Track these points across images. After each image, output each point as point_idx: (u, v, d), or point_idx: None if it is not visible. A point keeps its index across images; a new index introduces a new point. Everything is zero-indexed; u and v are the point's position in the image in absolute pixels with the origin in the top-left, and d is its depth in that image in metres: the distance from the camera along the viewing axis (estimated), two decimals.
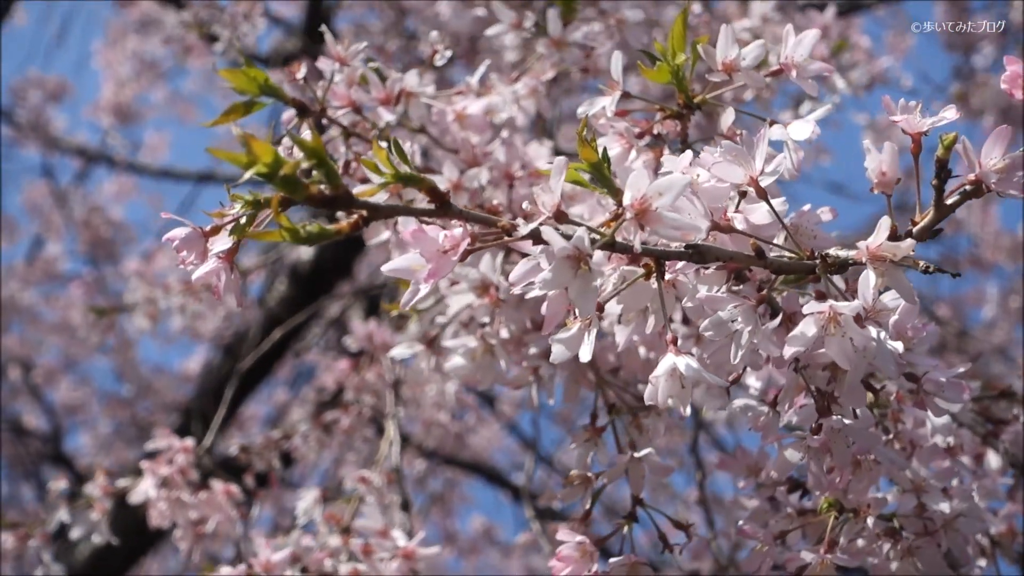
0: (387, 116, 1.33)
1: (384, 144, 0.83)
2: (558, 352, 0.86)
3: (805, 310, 0.90)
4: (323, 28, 1.34)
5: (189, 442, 2.20)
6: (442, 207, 0.81)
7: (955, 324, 4.77)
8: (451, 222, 0.82)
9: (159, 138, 6.76)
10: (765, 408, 1.18)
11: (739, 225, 1.01)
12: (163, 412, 5.42)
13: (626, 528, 1.31)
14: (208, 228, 1.05)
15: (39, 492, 5.04)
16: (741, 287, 1.08)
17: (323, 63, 1.35)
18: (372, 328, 2.41)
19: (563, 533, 1.24)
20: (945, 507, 1.22)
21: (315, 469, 4.12)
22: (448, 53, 1.50)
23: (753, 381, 1.37)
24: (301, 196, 0.75)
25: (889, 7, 5.37)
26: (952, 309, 5.17)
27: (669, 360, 0.88)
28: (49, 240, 5.98)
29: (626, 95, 1.24)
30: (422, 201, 0.92)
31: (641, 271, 0.92)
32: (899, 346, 0.92)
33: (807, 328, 0.90)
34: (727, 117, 1.24)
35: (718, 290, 1.00)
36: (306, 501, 2.11)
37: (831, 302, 0.90)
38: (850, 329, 0.90)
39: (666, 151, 1.24)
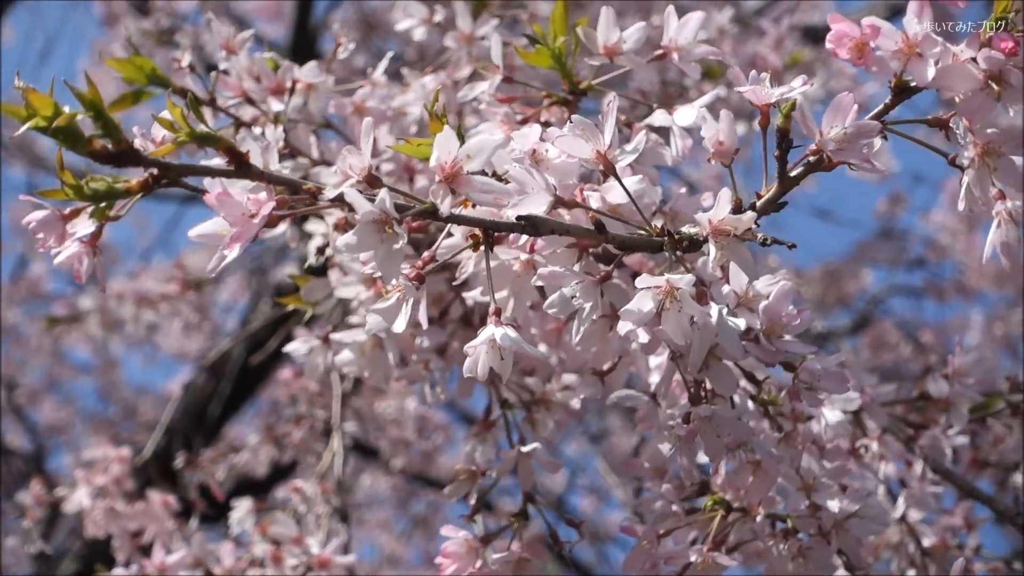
0: (276, 106, 1.31)
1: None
2: (373, 323, 0.83)
3: (639, 283, 0.86)
4: (209, 16, 1.32)
5: (125, 451, 2.17)
6: (240, 168, 0.78)
7: (939, 350, 4.71)
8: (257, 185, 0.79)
9: None
10: (645, 398, 1.16)
11: (594, 204, 0.99)
12: (146, 432, 5.38)
13: (515, 525, 1.28)
14: (67, 211, 1.03)
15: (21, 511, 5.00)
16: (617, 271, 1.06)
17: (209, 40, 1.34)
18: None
19: (447, 529, 1.21)
20: (834, 506, 1.18)
21: None
22: (352, 46, 1.48)
23: (656, 377, 1.34)
24: (83, 150, 0.73)
25: None
26: (936, 335, 5.11)
27: (488, 330, 0.85)
28: (33, 259, 5.97)
29: (508, 80, 1.22)
30: None
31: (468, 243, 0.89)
32: (741, 323, 0.89)
33: (643, 303, 0.87)
34: (611, 107, 1.21)
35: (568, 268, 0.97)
36: (240, 511, 2.07)
37: (667, 276, 0.87)
38: (687, 305, 0.87)
39: None
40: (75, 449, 5.70)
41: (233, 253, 0.79)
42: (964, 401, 1.45)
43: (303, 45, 4.21)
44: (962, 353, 1.45)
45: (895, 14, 4.47)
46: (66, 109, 0.71)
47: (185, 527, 2.22)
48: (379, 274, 0.80)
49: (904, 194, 5.36)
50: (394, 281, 0.82)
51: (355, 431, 2.74)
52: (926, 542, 1.48)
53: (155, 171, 0.76)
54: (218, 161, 0.84)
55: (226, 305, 5.65)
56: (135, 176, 0.79)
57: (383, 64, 1.46)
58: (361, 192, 0.79)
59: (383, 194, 0.77)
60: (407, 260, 0.94)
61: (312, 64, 1.38)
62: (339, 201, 0.79)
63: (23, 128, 0.73)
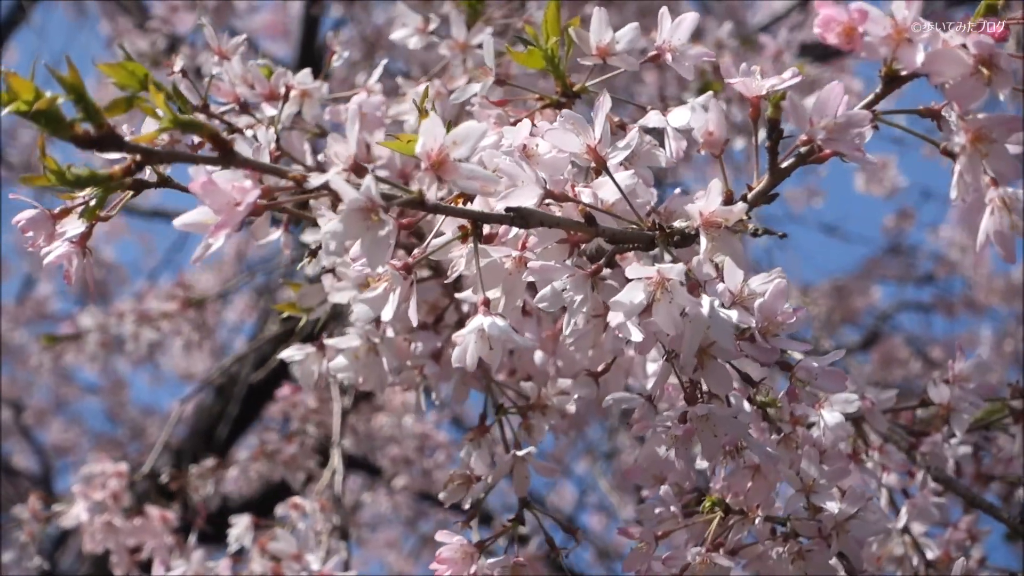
0: (269, 111, 1.31)
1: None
2: (360, 312, 0.83)
3: (629, 273, 0.86)
4: (203, 20, 1.32)
5: (123, 466, 2.17)
6: (225, 156, 0.77)
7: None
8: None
9: None
10: (641, 399, 1.14)
11: (586, 199, 0.98)
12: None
13: (512, 529, 1.26)
14: (57, 211, 1.03)
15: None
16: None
17: (206, 58, 1.34)
18: None
19: (442, 535, 1.20)
20: (833, 507, 1.16)
21: None
22: (346, 54, 1.48)
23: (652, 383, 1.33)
24: (65, 135, 0.72)
25: None
26: (946, 351, 5.09)
27: (477, 320, 0.84)
28: (40, 280, 5.97)
29: (500, 82, 1.22)
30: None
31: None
32: (733, 314, 0.88)
33: (633, 294, 0.86)
34: (603, 102, 1.21)
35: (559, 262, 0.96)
36: (238, 527, 2.06)
37: (658, 266, 0.86)
38: (679, 296, 0.86)
39: None
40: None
41: (218, 242, 0.78)
42: (965, 406, 1.43)
43: (310, 64, 4.22)
44: (962, 358, 1.44)
45: None
46: (48, 94, 0.71)
47: (184, 544, 2.21)
48: (366, 261, 0.79)
49: (912, 210, 5.36)
50: (381, 270, 0.82)
51: (352, 449, 2.72)
52: (930, 555, 1.46)
53: (138, 157, 0.76)
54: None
55: (234, 325, 5.66)
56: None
57: (377, 71, 1.45)
58: (347, 180, 0.78)
59: (368, 180, 0.76)
60: (398, 258, 0.94)
61: (306, 71, 1.38)
62: (325, 189, 0.78)
63: (3, 112, 0.73)
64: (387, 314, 0.82)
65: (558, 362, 1.40)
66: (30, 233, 1.05)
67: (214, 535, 2.47)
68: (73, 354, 3.19)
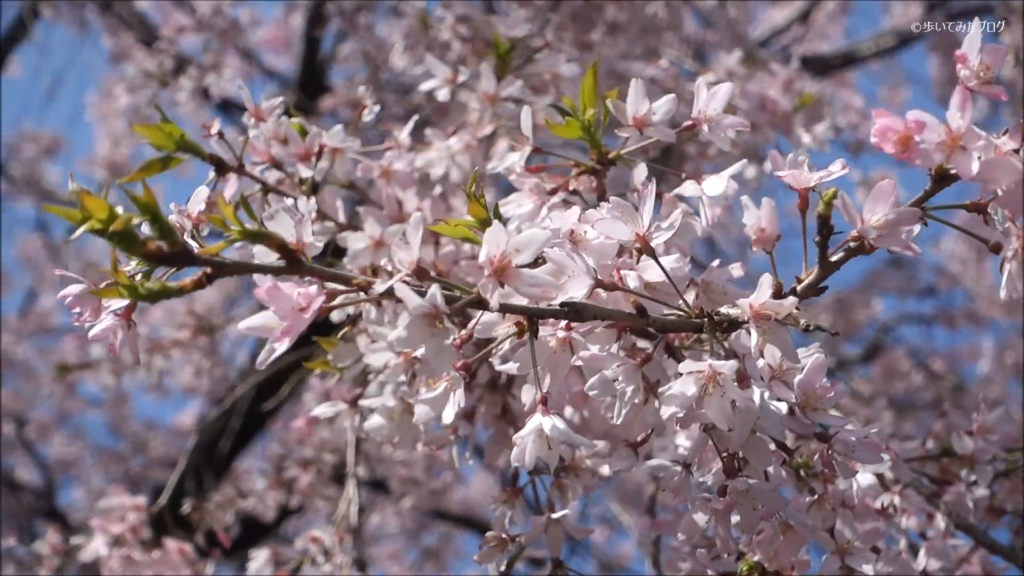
0: (305, 172, 1.32)
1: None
2: (421, 413, 0.84)
3: (682, 368, 0.87)
4: (240, 84, 1.33)
5: (141, 500, 2.18)
6: (292, 264, 0.79)
7: (951, 378, 4.73)
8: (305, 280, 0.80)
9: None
10: (678, 468, 1.15)
11: (631, 283, 0.99)
12: (157, 467, 5.39)
13: None
14: (102, 285, 1.04)
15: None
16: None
17: (244, 118, 1.35)
18: (330, 385, 2.38)
19: None
20: (869, 570, 1.18)
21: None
22: (376, 108, 1.49)
23: (683, 440, 1.34)
24: (138, 252, 0.73)
25: (884, 61, 5.39)
26: (948, 363, 5.13)
27: (536, 420, 0.85)
28: (42, 293, 5.97)
29: (537, 150, 1.23)
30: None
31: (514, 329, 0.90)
32: (783, 407, 0.89)
33: (686, 387, 0.87)
34: (639, 173, 1.22)
35: (608, 349, 0.97)
36: (258, 561, 2.07)
37: (710, 361, 0.87)
38: (730, 389, 0.87)
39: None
40: (85, 484, 5.70)
41: (283, 347, 0.79)
42: (988, 457, 1.45)
43: (312, 78, 4.23)
44: (987, 410, 1.46)
45: (903, 43, 4.51)
46: (119, 210, 0.72)
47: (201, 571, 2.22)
48: (431, 369, 0.80)
49: None
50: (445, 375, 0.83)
51: (365, 475, 2.73)
52: None
53: (208, 269, 0.77)
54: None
55: (237, 338, 5.65)
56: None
57: (409, 126, 1.46)
58: (410, 285, 0.79)
59: (433, 289, 0.78)
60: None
61: (338, 128, 1.38)
62: (389, 295, 0.79)
63: (79, 232, 0.74)
64: (448, 415, 0.83)
65: (584, 413, 1.41)
66: (77, 309, 1.06)
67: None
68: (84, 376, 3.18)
